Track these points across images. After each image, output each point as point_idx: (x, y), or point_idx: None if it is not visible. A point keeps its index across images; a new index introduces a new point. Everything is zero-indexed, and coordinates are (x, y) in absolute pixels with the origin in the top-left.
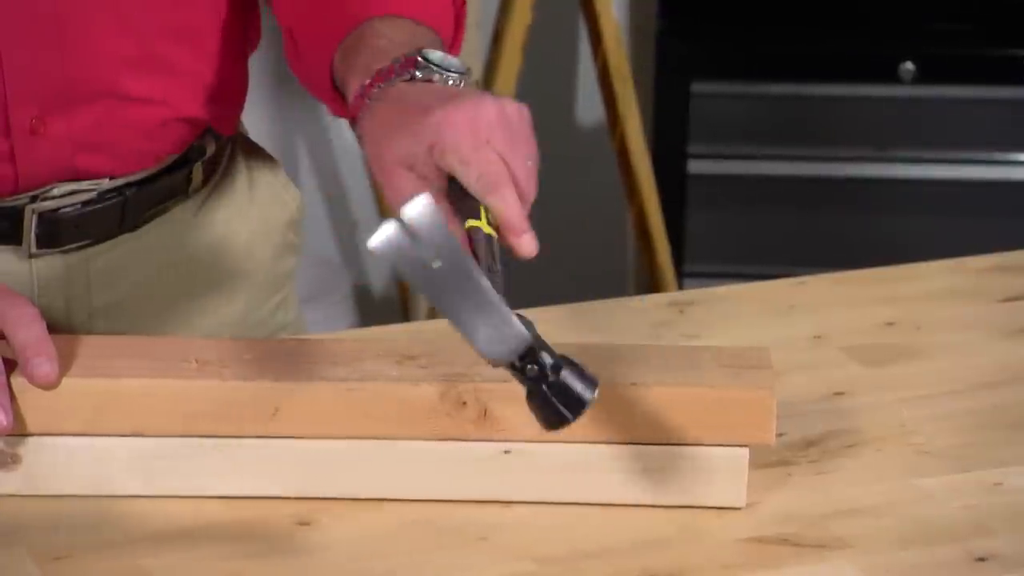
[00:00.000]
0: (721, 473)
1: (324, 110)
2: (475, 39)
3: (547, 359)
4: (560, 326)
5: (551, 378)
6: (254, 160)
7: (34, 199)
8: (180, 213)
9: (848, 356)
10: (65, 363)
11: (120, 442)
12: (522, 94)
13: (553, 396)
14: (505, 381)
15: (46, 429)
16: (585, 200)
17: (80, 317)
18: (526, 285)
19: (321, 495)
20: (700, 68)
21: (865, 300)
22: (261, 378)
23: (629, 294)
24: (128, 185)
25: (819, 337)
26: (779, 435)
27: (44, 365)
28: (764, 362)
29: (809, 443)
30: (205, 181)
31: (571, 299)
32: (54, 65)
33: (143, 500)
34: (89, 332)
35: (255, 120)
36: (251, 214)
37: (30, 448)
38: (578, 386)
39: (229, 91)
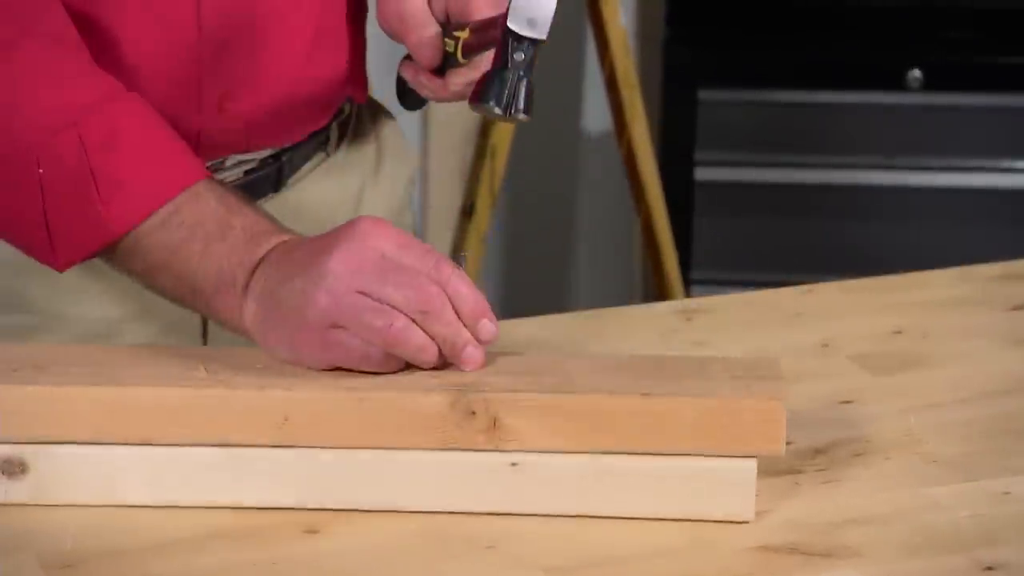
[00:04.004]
0: (729, 486)
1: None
2: None
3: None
4: (567, 333)
5: (523, 73)
6: (379, 118)
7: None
8: (322, 171)
9: (855, 364)
10: (73, 372)
11: (129, 451)
12: None
13: (513, 84)
14: (515, 391)
15: (54, 437)
16: (592, 207)
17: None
18: (533, 292)
19: (330, 505)
20: (707, 75)
21: (872, 308)
22: (270, 387)
23: (636, 301)
24: (285, 151)
25: (826, 345)
26: (787, 443)
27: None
28: (774, 372)
29: (817, 451)
30: (340, 139)
31: (578, 306)
32: (246, 50)
33: (151, 509)
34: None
35: None
36: (380, 170)
37: (39, 457)
38: (523, 99)
39: (363, 63)
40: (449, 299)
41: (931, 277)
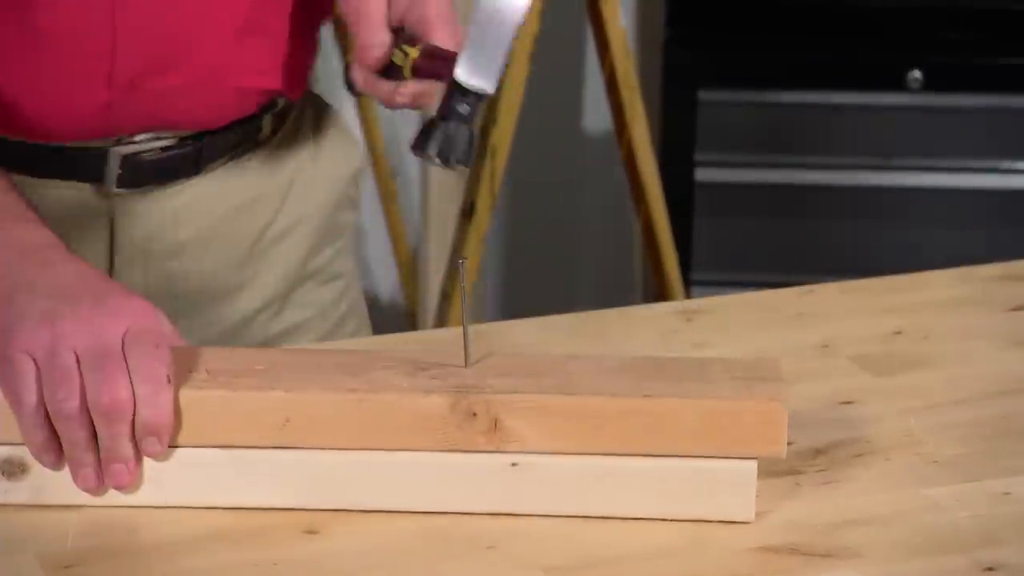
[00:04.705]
0: (730, 487)
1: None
2: None
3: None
4: (568, 334)
5: (465, 124)
6: (320, 113)
7: (118, 142)
8: (250, 159)
9: (856, 365)
10: None
11: None
12: (529, 103)
13: (453, 135)
14: (515, 392)
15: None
16: (592, 208)
17: (158, 255)
18: (533, 293)
19: (330, 506)
20: (707, 76)
21: (873, 309)
22: (271, 388)
23: (636, 302)
24: (205, 133)
25: (826, 346)
26: (787, 444)
27: (155, 445)
28: (774, 373)
29: (817, 452)
30: (274, 132)
31: (578, 307)
32: (166, 28)
33: (152, 509)
34: (164, 270)
35: None
36: (316, 164)
37: None
38: (461, 150)
39: (308, 57)
40: (136, 404)
41: (931, 278)
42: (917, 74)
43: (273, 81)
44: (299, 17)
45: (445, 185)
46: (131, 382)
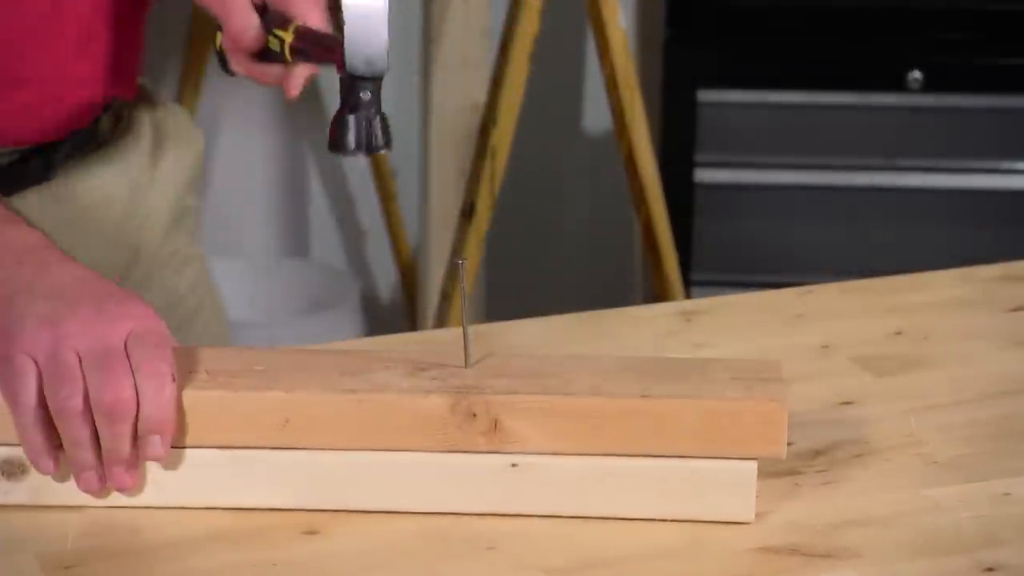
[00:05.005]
0: (729, 487)
1: (331, 119)
2: (482, 48)
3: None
4: (567, 335)
5: (373, 109)
6: (156, 106)
7: None
8: (94, 162)
9: (856, 365)
10: None
11: None
12: (529, 103)
13: (367, 123)
14: (515, 393)
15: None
16: (592, 209)
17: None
18: (533, 293)
19: (330, 507)
20: (707, 77)
21: (873, 309)
22: (271, 389)
23: (636, 303)
24: (48, 144)
25: (827, 346)
26: (787, 444)
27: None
28: (775, 374)
29: (817, 452)
30: (112, 130)
31: (578, 307)
32: (7, 47)
33: (151, 509)
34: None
35: (262, 129)
36: (161, 157)
37: None
38: (379, 133)
39: (139, 55)
40: (139, 402)
41: (931, 278)
42: (917, 74)
43: (112, 87)
44: (128, 19)
45: (445, 185)
46: (134, 381)
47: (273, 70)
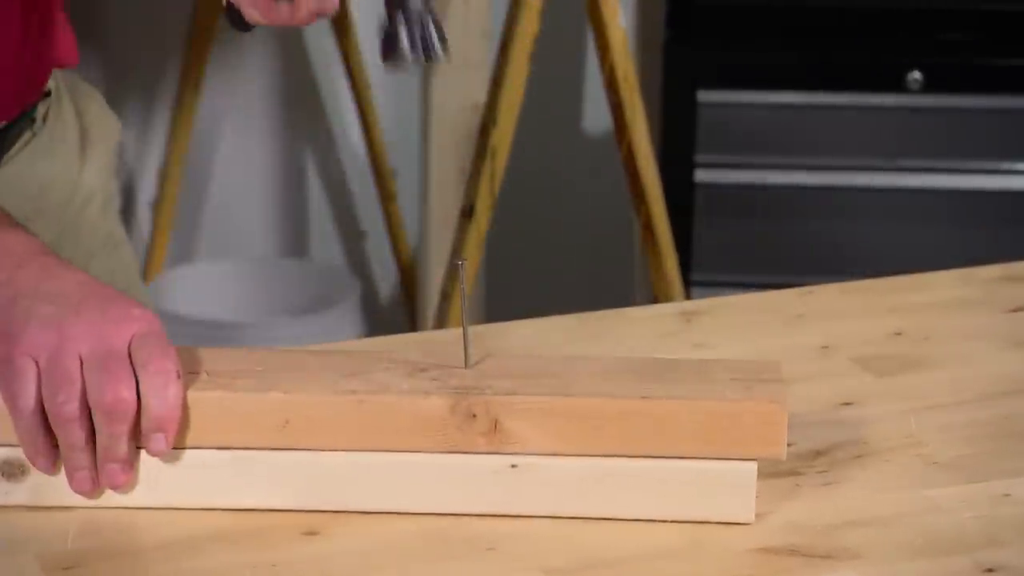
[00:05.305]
0: (729, 488)
1: (331, 119)
2: (482, 48)
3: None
4: (567, 335)
5: (424, 11)
6: (78, 92)
7: None
8: (32, 150)
9: (856, 366)
10: None
11: None
12: (529, 103)
13: (420, 27)
14: (515, 394)
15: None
16: (592, 209)
17: None
18: (533, 293)
19: (330, 507)
20: (707, 77)
21: (873, 310)
22: (271, 390)
23: (636, 303)
24: None
25: (827, 347)
26: (787, 445)
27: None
28: (775, 375)
29: (817, 453)
30: (45, 117)
31: (578, 308)
32: None
33: (151, 510)
34: None
35: (263, 129)
36: (90, 143)
37: None
38: (435, 39)
39: (68, 24)
40: (144, 398)
41: (932, 279)
42: (917, 75)
43: (57, 60)
44: (48, 5)
45: (445, 185)
46: (137, 381)
47: (284, 7)
